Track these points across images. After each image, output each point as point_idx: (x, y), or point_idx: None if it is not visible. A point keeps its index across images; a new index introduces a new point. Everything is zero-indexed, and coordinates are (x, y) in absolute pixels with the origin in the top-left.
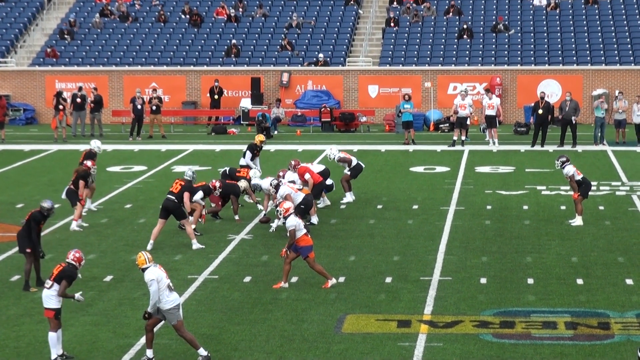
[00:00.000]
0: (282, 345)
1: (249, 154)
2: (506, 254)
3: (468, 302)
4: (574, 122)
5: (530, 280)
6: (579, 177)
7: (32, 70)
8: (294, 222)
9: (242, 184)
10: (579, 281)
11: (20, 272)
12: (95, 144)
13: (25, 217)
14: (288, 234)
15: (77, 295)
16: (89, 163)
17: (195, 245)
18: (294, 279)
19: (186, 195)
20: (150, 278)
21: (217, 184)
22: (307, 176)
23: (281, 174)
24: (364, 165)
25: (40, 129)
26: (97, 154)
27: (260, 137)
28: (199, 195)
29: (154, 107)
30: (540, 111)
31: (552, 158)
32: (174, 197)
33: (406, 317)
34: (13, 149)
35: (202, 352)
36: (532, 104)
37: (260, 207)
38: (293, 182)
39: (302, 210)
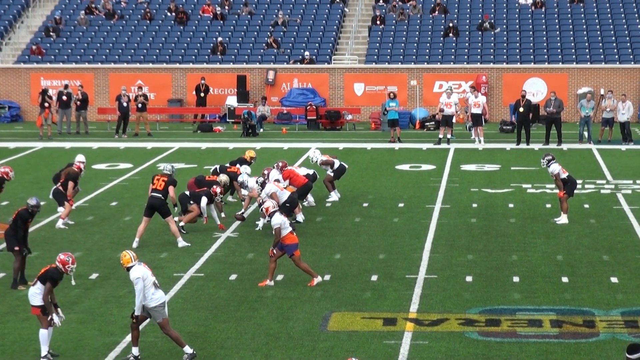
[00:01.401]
0: (267, 343)
1: (245, 167)
2: (492, 252)
3: (454, 300)
4: (555, 113)
5: (516, 279)
6: (564, 175)
7: (18, 68)
8: (279, 220)
9: (222, 177)
10: (564, 279)
11: (4, 270)
12: (78, 159)
13: (12, 215)
14: (273, 232)
15: (56, 318)
16: (80, 164)
17: (181, 243)
18: (279, 277)
19: (171, 189)
20: (135, 276)
21: (218, 190)
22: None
23: (266, 172)
24: (347, 167)
25: (26, 127)
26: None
27: (250, 153)
28: (204, 201)
29: (139, 105)
30: (521, 109)
31: (537, 156)
32: (159, 195)
33: (392, 315)
34: None
35: (188, 349)
36: (514, 102)
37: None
38: (278, 180)
39: (288, 209)
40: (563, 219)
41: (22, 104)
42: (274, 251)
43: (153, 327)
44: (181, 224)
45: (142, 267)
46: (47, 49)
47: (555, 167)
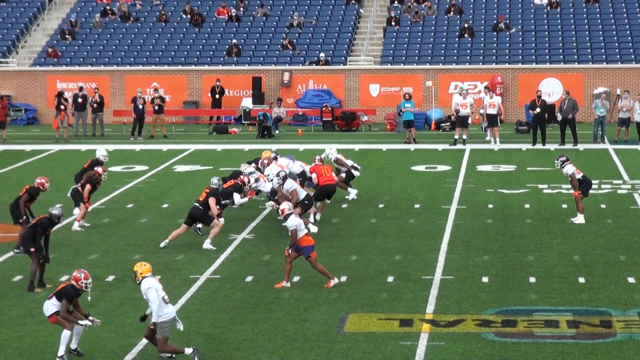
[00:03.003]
0: (284, 345)
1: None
2: (508, 252)
3: (470, 301)
4: (570, 117)
5: (532, 279)
6: (579, 175)
7: (34, 71)
8: (294, 222)
9: (246, 168)
10: (581, 280)
11: (22, 273)
12: (101, 153)
13: (33, 220)
14: (290, 234)
15: (86, 321)
16: (99, 169)
17: (207, 245)
18: (296, 279)
19: (211, 200)
20: (147, 286)
21: (246, 180)
22: (313, 176)
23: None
24: (359, 173)
25: (42, 129)
26: (103, 163)
27: (267, 154)
28: (237, 197)
29: (156, 107)
30: (537, 110)
31: (553, 157)
32: (199, 205)
33: (408, 316)
34: (14, 149)
35: (188, 350)
36: (529, 103)
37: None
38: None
39: (306, 206)
40: (580, 218)
41: (39, 106)
42: (290, 252)
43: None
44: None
45: (154, 280)
46: (63, 52)
47: (569, 168)
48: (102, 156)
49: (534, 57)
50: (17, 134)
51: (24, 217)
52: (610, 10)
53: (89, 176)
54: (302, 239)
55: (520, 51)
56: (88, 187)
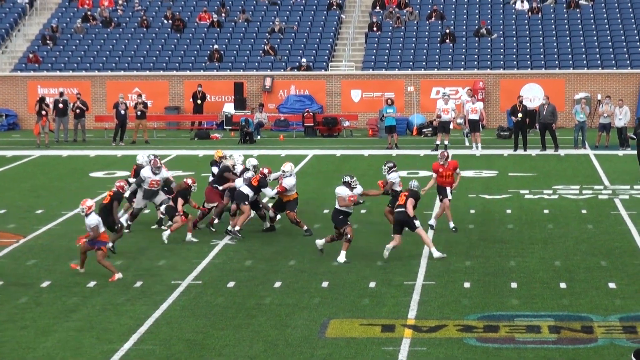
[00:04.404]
0: (265, 350)
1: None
2: (490, 258)
3: (452, 307)
4: (553, 128)
5: (514, 284)
6: (399, 188)
7: (14, 76)
8: (94, 219)
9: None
10: (562, 285)
11: (2, 278)
12: (143, 158)
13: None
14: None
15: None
16: (189, 180)
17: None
18: (277, 284)
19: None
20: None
21: (266, 171)
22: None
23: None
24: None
25: (23, 135)
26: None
27: (218, 153)
28: (269, 190)
29: (139, 113)
30: (519, 115)
31: (535, 162)
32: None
33: (390, 321)
34: None
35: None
36: (510, 108)
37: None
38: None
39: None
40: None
41: (20, 112)
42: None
43: (151, 334)
44: (236, 228)
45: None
46: (44, 57)
47: (394, 176)
48: (144, 161)
49: (515, 62)
50: None
51: (119, 224)
52: (592, 15)
53: (179, 189)
54: (103, 235)
55: (501, 56)
56: (180, 200)
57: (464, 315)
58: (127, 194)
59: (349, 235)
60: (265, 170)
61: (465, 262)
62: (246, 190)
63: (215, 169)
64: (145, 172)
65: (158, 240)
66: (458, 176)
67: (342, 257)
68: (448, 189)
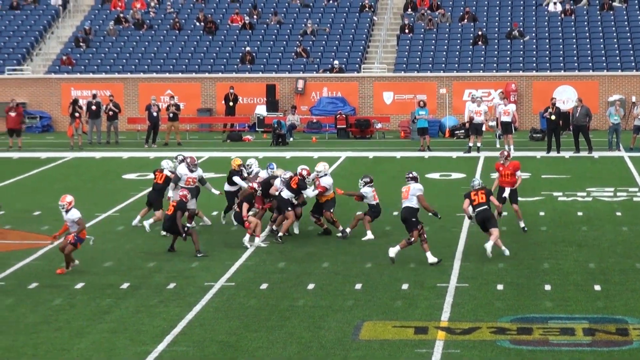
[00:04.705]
0: (299, 352)
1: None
2: (523, 260)
3: (485, 309)
4: (587, 129)
5: (548, 287)
6: (374, 202)
7: (48, 78)
8: (77, 214)
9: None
10: (597, 287)
11: (38, 280)
12: (167, 165)
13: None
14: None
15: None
16: (254, 185)
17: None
18: (310, 286)
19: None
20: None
21: (304, 172)
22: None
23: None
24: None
25: (57, 137)
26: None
27: (237, 161)
28: (309, 191)
29: (171, 115)
30: (552, 117)
31: (568, 164)
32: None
33: (423, 323)
34: (29, 157)
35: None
36: (543, 110)
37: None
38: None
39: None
40: (369, 235)
41: (53, 114)
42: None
43: (184, 336)
44: (280, 234)
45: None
46: (77, 59)
47: (367, 190)
48: (167, 168)
49: (548, 64)
50: (32, 141)
51: (185, 234)
52: (625, 17)
53: (244, 194)
54: (83, 233)
55: (534, 58)
56: (245, 205)
57: (498, 318)
58: (170, 194)
59: (412, 239)
60: (304, 172)
61: (498, 264)
62: (287, 194)
63: (238, 180)
64: (182, 170)
65: (190, 243)
66: (519, 179)
67: (392, 252)
68: (507, 190)
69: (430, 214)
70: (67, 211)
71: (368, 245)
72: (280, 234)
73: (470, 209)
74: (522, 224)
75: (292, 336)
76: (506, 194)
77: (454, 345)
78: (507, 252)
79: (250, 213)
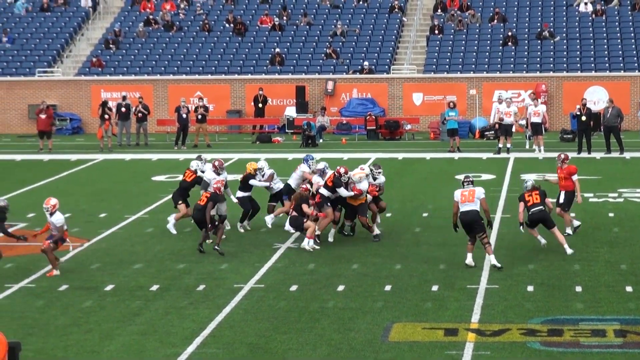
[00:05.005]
0: (329, 354)
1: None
2: (553, 261)
3: (515, 310)
4: (618, 130)
5: (579, 288)
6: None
7: (78, 80)
8: (61, 219)
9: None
10: (629, 289)
11: (67, 282)
12: (197, 165)
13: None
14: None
15: None
16: (308, 185)
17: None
18: (340, 288)
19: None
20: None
21: (336, 173)
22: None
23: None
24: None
25: (87, 139)
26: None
27: (253, 165)
28: (344, 191)
29: (199, 116)
30: (583, 118)
31: (599, 165)
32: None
33: (453, 325)
34: (60, 159)
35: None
36: (575, 112)
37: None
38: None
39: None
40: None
41: (83, 116)
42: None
43: (214, 338)
44: (317, 232)
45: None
46: (106, 61)
47: (365, 185)
48: (197, 166)
49: (578, 65)
50: (62, 143)
51: (211, 222)
52: None
53: (297, 198)
54: (65, 233)
55: (564, 59)
56: (305, 206)
57: (528, 319)
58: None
59: (485, 240)
60: (342, 170)
61: (528, 265)
62: (325, 192)
63: (255, 182)
64: (209, 174)
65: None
66: (576, 184)
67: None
68: (562, 193)
69: (486, 220)
70: (51, 214)
71: (398, 246)
72: (317, 232)
73: (523, 212)
74: (568, 230)
75: (322, 338)
76: (561, 198)
77: (484, 347)
78: (569, 251)
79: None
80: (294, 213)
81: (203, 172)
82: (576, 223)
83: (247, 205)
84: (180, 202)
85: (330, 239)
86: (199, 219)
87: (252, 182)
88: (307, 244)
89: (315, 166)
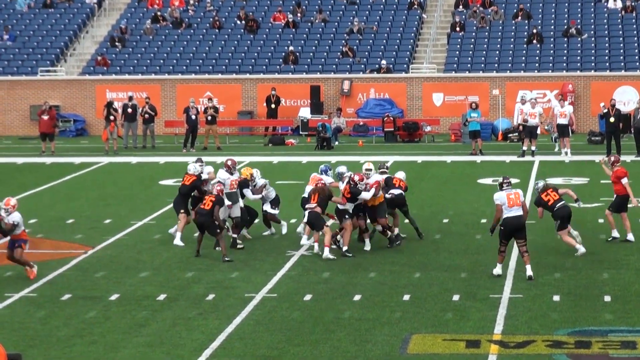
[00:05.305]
0: None
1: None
2: (581, 270)
3: (540, 321)
4: None
5: (607, 298)
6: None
7: (82, 80)
8: (17, 217)
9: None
10: None
11: (71, 291)
12: (194, 168)
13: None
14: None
15: None
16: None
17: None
18: (356, 297)
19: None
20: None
21: (357, 177)
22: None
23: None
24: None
25: (91, 141)
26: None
27: (249, 170)
28: (367, 193)
29: (209, 118)
30: (611, 119)
31: (629, 169)
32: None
33: (475, 336)
34: (63, 162)
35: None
36: (602, 112)
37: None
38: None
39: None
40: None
41: (87, 117)
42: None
43: (224, 350)
44: (344, 248)
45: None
46: (112, 60)
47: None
48: (194, 169)
49: (607, 63)
50: (65, 145)
51: (221, 228)
52: None
53: (319, 192)
54: (22, 233)
55: (592, 57)
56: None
57: (554, 331)
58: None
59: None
60: (356, 177)
61: (554, 274)
62: (342, 207)
63: (248, 193)
64: (222, 175)
65: (231, 252)
66: (627, 187)
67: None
68: (615, 197)
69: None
70: (10, 214)
71: (417, 254)
72: (345, 247)
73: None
74: (629, 237)
75: (338, 350)
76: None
77: None
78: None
79: (329, 223)
80: (317, 208)
81: (201, 175)
82: (581, 250)
83: (244, 214)
84: (182, 210)
85: (367, 248)
86: (203, 223)
87: (245, 192)
88: (328, 252)
89: (336, 170)
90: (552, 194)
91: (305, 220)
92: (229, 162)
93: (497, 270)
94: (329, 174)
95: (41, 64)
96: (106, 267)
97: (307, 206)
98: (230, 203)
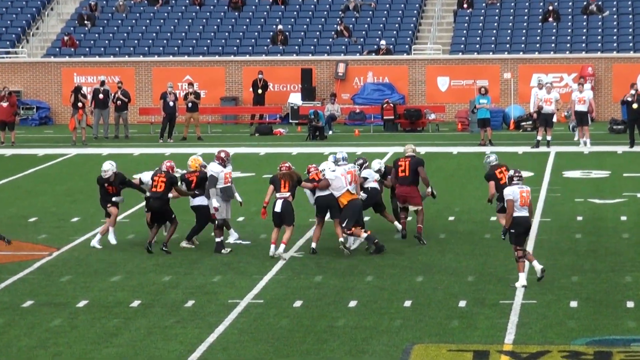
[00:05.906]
0: None
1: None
2: (601, 272)
3: (556, 330)
4: None
5: (630, 304)
6: (373, 184)
7: (47, 62)
8: None
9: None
10: None
11: (33, 297)
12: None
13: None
14: None
15: None
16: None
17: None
18: (352, 304)
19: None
20: None
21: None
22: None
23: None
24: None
25: (56, 130)
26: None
27: (198, 161)
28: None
29: (189, 104)
30: (635, 105)
31: None
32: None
33: (483, 347)
34: (25, 154)
35: None
36: (623, 98)
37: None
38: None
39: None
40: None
41: (52, 104)
42: None
43: (222, 352)
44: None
45: None
46: (80, 40)
47: (366, 172)
48: (103, 171)
49: (631, 44)
50: (27, 135)
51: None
52: None
53: (289, 178)
54: None
55: (615, 37)
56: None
57: (571, 340)
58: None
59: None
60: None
61: (571, 277)
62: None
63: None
64: (215, 168)
65: (212, 253)
66: None
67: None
68: None
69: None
70: None
71: (419, 255)
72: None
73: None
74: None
75: None
76: None
77: None
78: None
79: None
80: (290, 197)
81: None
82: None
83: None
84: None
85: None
86: (157, 208)
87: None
88: (282, 250)
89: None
90: (505, 172)
91: (277, 209)
92: (222, 154)
93: (522, 281)
94: (341, 164)
95: (0, 45)
96: (73, 270)
97: (278, 195)
98: (217, 204)
